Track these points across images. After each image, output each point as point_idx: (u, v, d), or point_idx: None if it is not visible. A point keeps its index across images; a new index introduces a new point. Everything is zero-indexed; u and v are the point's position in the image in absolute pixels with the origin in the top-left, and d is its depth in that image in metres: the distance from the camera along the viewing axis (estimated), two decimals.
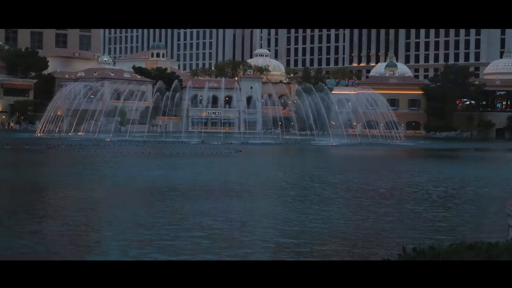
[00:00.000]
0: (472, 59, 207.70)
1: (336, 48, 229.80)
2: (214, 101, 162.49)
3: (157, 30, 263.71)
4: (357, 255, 19.27)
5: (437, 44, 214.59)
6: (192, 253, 18.93)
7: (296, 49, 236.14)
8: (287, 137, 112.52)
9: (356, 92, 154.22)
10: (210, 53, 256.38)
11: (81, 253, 19.01)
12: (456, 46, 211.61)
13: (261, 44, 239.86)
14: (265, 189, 36.65)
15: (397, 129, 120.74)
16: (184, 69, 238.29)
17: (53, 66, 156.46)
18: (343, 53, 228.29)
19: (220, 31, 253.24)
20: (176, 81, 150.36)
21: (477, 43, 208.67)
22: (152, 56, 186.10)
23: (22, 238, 20.76)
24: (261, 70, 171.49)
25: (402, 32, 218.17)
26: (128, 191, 34.48)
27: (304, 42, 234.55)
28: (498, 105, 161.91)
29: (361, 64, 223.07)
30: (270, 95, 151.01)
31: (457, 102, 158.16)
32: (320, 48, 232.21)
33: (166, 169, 48.14)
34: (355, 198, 32.92)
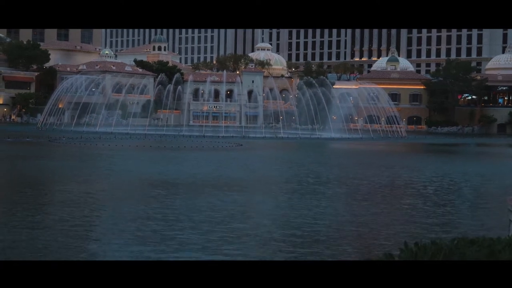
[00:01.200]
0: (474, 54, 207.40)
1: (338, 42, 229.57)
2: (216, 95, 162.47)
3: None
4: (357, 250, 19.26)
5: (439, 38, 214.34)
6: (189, 249, 18.94)
7: (297, 43, 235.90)
8: (288, 131, 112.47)
9: (357, 87, 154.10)
10: (212, 47, 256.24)
11: (78, 251, 19.01)
12: (458, 41, 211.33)
13: (262, 38, 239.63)
14: (266, 184, 36.63)
15: (398, 124, 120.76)
16: (186, 62, 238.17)
17: (55, 59, 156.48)
18: (345, 48, 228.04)
19: None
20: (177, 75, 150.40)
21: (479, 38, 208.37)
22: (154, 49, 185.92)
23: (20, 233, 20.77)
24: (263, 64, 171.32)
25: None
26: (129, 185, 34.47)
27: (306, 36, 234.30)
28: (500, 100, 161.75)
29: (363, 59, 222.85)
30: (271, 89, 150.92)
31: (459, 97, 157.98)
32: (322, 43, 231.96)
33: (167, 163, 48.12)
34: (355, 193, 32.91)
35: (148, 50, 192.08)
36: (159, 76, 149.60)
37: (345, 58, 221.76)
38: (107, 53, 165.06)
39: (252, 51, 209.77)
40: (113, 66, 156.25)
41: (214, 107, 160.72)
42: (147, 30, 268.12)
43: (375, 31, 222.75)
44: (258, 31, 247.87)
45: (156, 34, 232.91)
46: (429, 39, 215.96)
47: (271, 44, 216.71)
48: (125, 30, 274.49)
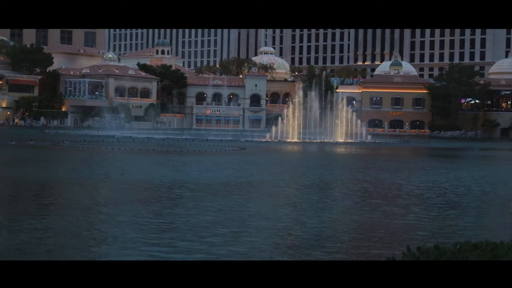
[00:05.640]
0: (477, 59, 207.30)
1: (341, 46, 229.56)
2: (219, 98, 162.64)
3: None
4: (361, 254, 19.23)
5: (442, 43, 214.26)
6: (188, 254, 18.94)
7: (301, 47, 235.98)
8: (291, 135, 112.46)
9: (360, 91, 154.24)
10: (215, 51, 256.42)
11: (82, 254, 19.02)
12: (462, 45, 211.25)
13: (266, 42, 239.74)
14: (266, 188, 36.62)
15: (401, 128, 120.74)
16: (189, 66, 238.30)
17: (58, 63, 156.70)
18: (348, 52, 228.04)
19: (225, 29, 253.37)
20: (180, 79, 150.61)
21: (483, 42, 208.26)
22: (157, 53, 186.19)
23: (22, 237, 20.79)
24: (266, 68, 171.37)
25: (407, 30, 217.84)
26: (132, 189, 34.47)
27: (309, 40, 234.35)
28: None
29: (366, 63, 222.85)
30: (274, 93, 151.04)
31: (462, 102, 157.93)
32: (325, 46, 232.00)
33: (170, 167, 48.15)
34: (358, 197, 32.89)
35: (151, 53, 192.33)
36: (163, 81, 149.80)
37: (348, 62, 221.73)
38: (110, 57, 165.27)
39: (255, 55, 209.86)
40: (116, 69, 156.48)
41: (217, 111, 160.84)
42: (150, 34, 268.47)
43: (378, 35, 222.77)
44: (262, 35, 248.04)
45: (159, 38, 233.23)
46: (432, 43, 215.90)
47: (274, 48, 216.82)
48: (128, 34, 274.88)
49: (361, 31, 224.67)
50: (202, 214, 25.27)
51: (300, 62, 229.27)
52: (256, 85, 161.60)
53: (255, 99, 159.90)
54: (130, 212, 25.53)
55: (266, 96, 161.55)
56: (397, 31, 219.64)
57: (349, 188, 36.68)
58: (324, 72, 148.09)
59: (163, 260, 17.43)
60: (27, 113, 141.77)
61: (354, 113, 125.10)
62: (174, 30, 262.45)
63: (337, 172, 48.01)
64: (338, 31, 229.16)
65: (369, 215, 26.43)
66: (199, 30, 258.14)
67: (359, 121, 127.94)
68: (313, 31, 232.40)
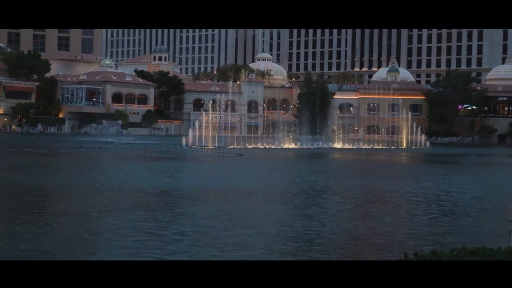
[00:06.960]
0: (474, 65, 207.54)
1: (338, 52, 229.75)
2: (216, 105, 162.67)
3: (159, 34, 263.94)
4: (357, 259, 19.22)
5: (439, 49, 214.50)
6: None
7: (298, 54, 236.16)
8: (289, 141, 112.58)
9: (358, 97, 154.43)
10: (212, 57, 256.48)
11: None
12: (458, 52, 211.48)
13: (263, 48, 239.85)
14: (263, 194, 36.63)
15: (398, 134, 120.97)
16: (186, 72, 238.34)
17: (55, 69, 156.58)
18: (345, 58, 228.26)
19: (223, 35, 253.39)
20: (178, 85, 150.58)
21: (479, 48, 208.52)
22: (154, 59, 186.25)
23: (20, 242, 20.76)
24: (263, 74, 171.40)
25: (404, 37, 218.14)
26: (127, 196, 34.44)
27: (306, 47, 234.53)
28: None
29: (363, 69, 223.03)
30: (272, 99, 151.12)
31: (459, 108, 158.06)
32: (322, 53, 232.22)
33: (166, 173, 48.11)
34: (355, 204, 32.89)
35: (148, 60, 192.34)
36: (161, 87, 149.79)
37: (345, 69, 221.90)
38: (107, 63, 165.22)
39: (253, 61, 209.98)
40: (114, 76, 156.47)
41: (214, 117, 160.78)
42: (147, 41, 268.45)
43: (375, 41, 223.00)
44: (259, 41, 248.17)
45: (156, 44, 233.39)
46: (429, 49, 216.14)
47: (271, 54, 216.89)
48: (125, 40, 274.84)
49: (358, 37, 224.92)
50: (193, 220, 25.26)
51: (298, 69, 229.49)
52: (253, 92, 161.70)
53: (252, 106, 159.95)
54: (122, 219, 25.53)
55: (264, 102, 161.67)
56: (394, 37, 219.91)
57: (344, 194, 36.69)
58: (321, 78, 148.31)
59: (163, 260, 17.39)
60: (24, 120, 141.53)
61: (351, 119, 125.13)
62: (171, 37, 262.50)
63: (330, 178, 48.00)
64: (335, 37, 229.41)
65: (365, 221, 26.43)
66: (197, 37, 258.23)
67: (356, 127, 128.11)
68: (310, 37, 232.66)
